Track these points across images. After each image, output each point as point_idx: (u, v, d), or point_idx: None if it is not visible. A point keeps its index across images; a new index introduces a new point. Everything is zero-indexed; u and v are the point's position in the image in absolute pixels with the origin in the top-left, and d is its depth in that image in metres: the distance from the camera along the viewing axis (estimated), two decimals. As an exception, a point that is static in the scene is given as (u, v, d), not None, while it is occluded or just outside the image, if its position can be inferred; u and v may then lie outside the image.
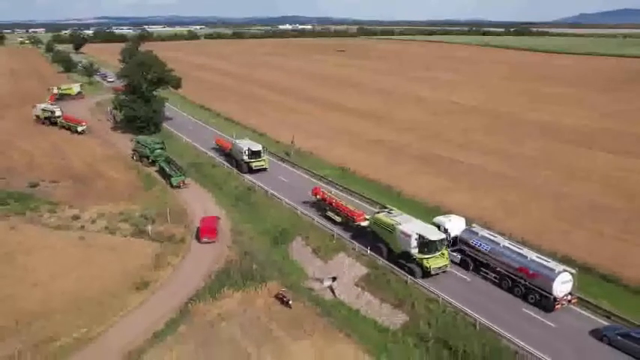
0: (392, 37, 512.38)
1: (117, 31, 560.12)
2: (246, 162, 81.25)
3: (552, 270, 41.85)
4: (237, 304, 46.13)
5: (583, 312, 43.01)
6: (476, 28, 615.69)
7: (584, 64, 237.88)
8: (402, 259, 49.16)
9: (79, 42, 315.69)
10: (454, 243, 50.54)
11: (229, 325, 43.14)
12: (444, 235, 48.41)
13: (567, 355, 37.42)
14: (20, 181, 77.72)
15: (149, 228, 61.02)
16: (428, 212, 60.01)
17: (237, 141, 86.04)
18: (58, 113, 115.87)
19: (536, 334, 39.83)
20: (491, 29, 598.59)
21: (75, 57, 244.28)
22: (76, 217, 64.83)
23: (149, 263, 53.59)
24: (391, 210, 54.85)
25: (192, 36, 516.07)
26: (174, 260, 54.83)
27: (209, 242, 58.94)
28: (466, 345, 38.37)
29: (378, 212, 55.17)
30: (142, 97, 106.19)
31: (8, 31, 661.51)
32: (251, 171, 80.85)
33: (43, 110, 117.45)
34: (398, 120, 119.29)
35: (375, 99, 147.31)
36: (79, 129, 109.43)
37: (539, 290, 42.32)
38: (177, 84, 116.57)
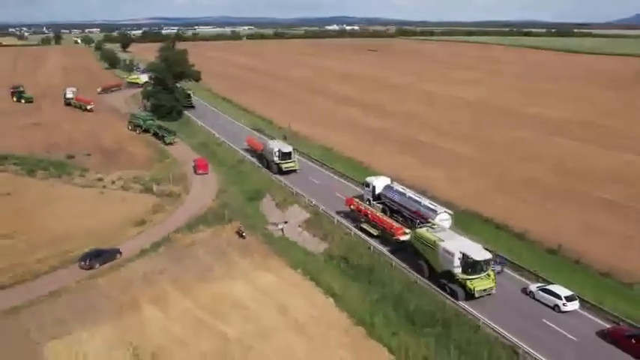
0: (430, 37, 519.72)
1: (165, 31, 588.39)
2: (276, 163, 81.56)
3: (434, 211, 55.32)
4: (207, 236, 61.61)
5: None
6: (517, 29, 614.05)
7: (603, 63, 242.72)
8: (443, 278, 46.68)
9: (126, 41, 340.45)
10: (378, 197, 64.23)
11: (197, 248, 58.75)
12: (490, 255, 45.86)
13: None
14: (60, 154, 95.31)
15: (154, 187, 77.26)
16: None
17: (269, 142, 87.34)
18: (69, 95, 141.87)
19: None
20: (533, 30, 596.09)
21: (122, 55, 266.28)
22: (100, 179, 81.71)
23: (149, 210, 69.67)
24: (433, 224, 52.45)
25: (235, 36, 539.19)
26: (169, 208, 70.76)
27: (203, 174, 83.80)
28: (359, 260, 52.73)
29: (420, 227, 52.18)
30: (167, 89, 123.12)
31: (66, 31, 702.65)
32: (281, 172, 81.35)
33: (64, 94, 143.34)
34: (399, 112, 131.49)
35: (385, 94, 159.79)
36: (88, 107, 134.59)
37: (424, 226, 55.70)
38: (197, 77, 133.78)
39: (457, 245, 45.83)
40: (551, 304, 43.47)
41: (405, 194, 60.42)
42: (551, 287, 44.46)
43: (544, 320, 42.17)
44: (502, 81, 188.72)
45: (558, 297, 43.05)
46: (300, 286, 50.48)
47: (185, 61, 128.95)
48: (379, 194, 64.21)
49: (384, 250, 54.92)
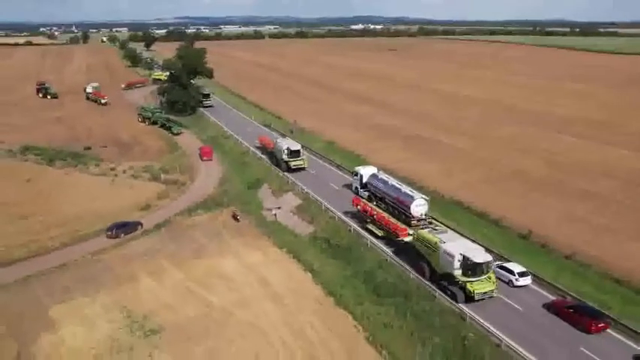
0: (451, 37, 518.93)
1: (190, 30, 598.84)
2: (285, 161, 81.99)
3: (412, 197, 59.26)
4: (204, 219, 66.84)
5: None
6: (540, 28, 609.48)
7: (622, 62, 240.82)
8: (444, 280, 46.19)
9: (149, 40, 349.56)
10: (365, 185, 68.56)
11: (194, 230, 63.94)
12: (490, 257, 45.44)
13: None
14: (78, 146, 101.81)
15: (161, 176, 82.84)
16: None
17: (279, 140, 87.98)
18: (88, 90, 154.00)
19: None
20: (557, 29, 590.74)
21: (145, 54, 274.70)
22: (112, 169, 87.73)
23: (155, 196, 75.23)
24: (436, 226, 53.20)
25: (258, 35, 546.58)
26: (173, 195, 76.26)
27: (208, 160, 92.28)
28: (340, 241, 57.42)
29: (422, 228, 52.30)
30: (181, 85, 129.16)
31: (94, 30, 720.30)
32: (290, 170, 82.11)
33: (85, 89, 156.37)
34: (408, 110, 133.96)
35: (397, 92, 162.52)
36: (102, 101, 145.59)
37: (404, 211, 59.80)
38: (209, 74, 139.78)
39: (458, 247, 45.31)
40: (506, 280, 47.38)
41: (387, 182, 64.46)
42: (506, 264, 48.39)
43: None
44: (516, 80, 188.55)
45: (512, 273, 46.98)
46: (283, 262, 55.30)
47: (200, 59, 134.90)
48: (366, 182, 68.38)
49: (363, 232, 59.27)
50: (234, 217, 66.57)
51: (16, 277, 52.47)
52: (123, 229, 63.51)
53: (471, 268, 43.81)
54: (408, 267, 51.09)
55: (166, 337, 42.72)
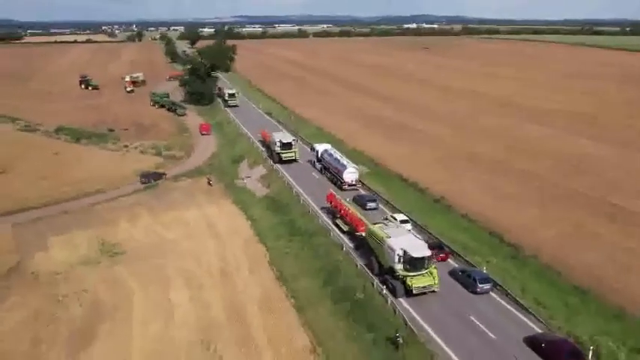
0: (492, 36, 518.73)
1: (246, 29, 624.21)
2: (277, 153, 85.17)
3: (345, 166, 72.26)
4: (186, 184, 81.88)
5: (362, 191, 72.85)
6: (588, 28, 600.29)
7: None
8: (388, 274, 47.32)
9: (193, 38, 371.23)
10: (320, 159, 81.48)
11: (175, 191, 78.96)
12: (429, 253, 45.97)
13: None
14: (104, 128, 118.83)
15: (163, 151, 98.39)
16: (349, 152, 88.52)
17: (274, 133, 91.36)
18: (126, 79, 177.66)
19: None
20: (604, 29, 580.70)
21: (189, 51, 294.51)
22: (126, 146, 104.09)
23: (153, 166, 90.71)
24: (389, 222, 54.38)
25: (302, 34, 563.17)
26: (169, 166, 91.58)
27: (206, 135, 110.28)
28: (282, 199, 71.03)
29: (374, 223, 53.22)
30: (200, 78, 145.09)
31: (153, 29, 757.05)
32: (281, 161, 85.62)
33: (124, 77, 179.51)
34: (408, 103, 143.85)
35: (407, 87, 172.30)
36: (128, 89, 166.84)
37: (339, 178, 72.91)
38: (226, 68, 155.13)
39: (400, 242, 46.37)
40: (390, 226, 59.33)
41: (333, 155, 77.51)
42: (395, 215, 60.22)
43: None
44: (531, 77, 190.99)
45: (395, 220, 58.90)
46: (233, 214, 69.48)
47: (220, 55, 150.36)
48: (320, 157, 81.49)
49: (304, 194, 72.43)
50: (208, 182, 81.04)
51: (29, 219, 68.63)
52: (152, 176, 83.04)
53: (410, 262, 45.00)
54: (324, 216, 64.11)
55: (126, 257, 57.61)
